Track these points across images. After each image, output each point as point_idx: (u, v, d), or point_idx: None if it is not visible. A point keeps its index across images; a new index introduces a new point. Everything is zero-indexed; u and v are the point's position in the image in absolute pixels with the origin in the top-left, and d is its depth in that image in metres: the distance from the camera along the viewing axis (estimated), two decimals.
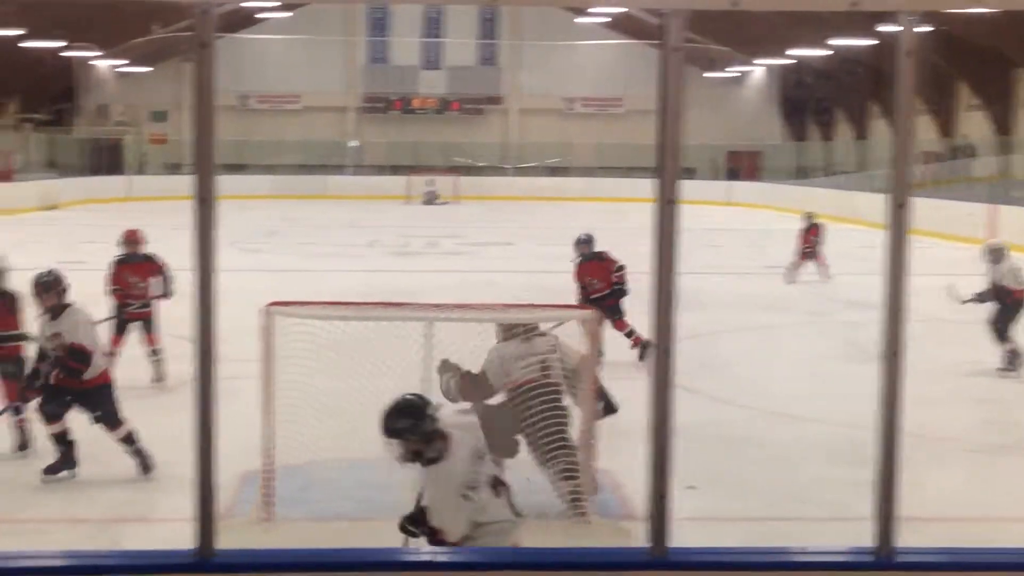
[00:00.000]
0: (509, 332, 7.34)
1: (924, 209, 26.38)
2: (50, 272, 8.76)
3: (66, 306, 8.40)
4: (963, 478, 8.68)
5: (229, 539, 3.07)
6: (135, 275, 11.54)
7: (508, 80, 52.58)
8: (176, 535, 3.15)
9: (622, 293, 12.52)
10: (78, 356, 8.05)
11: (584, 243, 13.05)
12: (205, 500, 3.19)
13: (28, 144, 46.50)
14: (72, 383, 8.09)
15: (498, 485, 5.33)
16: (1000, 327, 12.25)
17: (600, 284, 12.65)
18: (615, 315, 12.26)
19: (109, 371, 8.63)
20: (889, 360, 3.22)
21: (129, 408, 8.79)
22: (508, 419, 7.22)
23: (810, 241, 20.51)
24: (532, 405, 7.14)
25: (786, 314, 16.28)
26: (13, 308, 9.15)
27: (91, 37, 37.99)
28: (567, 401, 7.36)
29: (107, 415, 8.28)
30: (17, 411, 8.77)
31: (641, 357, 11.71)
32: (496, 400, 7.42)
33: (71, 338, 8.06)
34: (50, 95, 48.17)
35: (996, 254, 12.69)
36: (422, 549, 4.91)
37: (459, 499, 5.13)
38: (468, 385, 7.29)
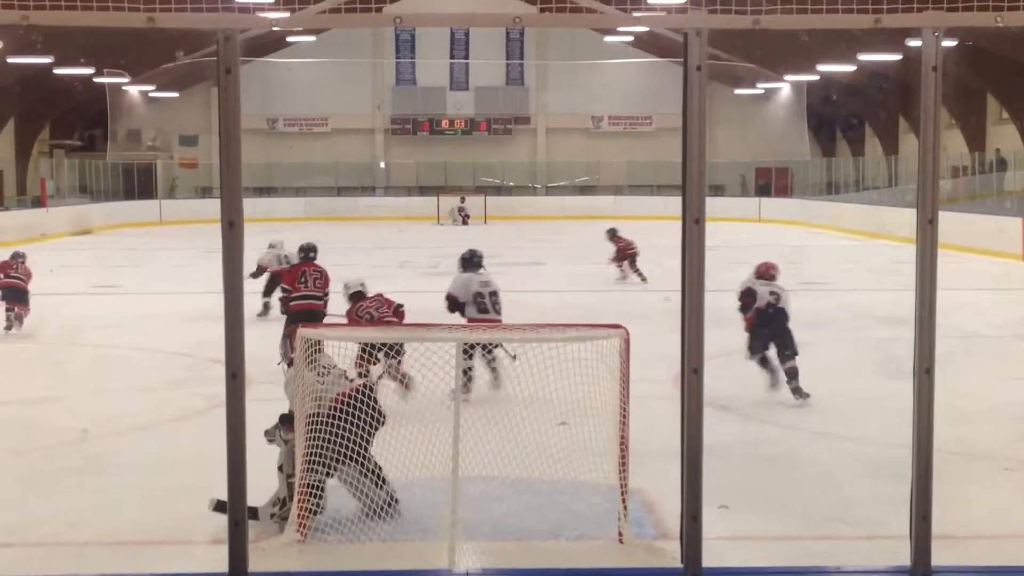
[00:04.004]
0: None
1: (956, 224, 26.26)
2: None
3: None
4: (1002, 496, 8.58)
5: (262, 562, 3.07)
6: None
7: (535, 100, 52.70)
8: (214, 557, 3.16)
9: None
10: None
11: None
12: (237, 523, 3.20)
13: (61, 170, 46.91)
14: None
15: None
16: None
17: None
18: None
19: None
20: (921, 377, 3.20)
21: (175, 430, 8.84)
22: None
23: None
24: (343, 415, 7.11)
25: (820, 331, 16.17)
26: None
27: (119, 64, 38.35)
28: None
29: None
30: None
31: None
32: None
33: None
34: (81, 121, 48.63)
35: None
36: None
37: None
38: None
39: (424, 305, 13.46)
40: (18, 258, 16.63)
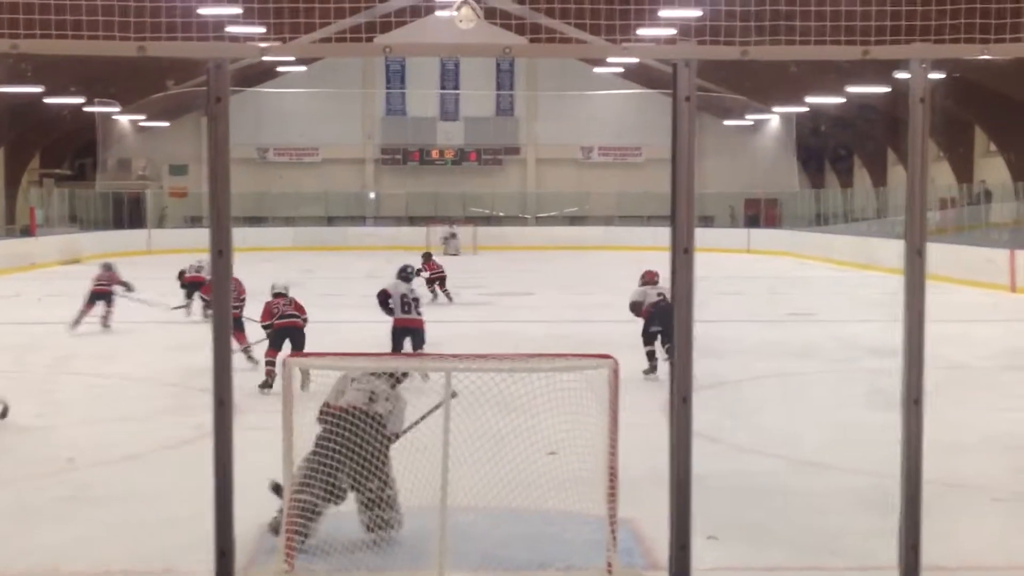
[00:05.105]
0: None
1: (944, 255, 26.33)
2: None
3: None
4: (991, 527, 8.58)
5: None
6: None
7: (525, 130, 52.85)
8: None
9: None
10: None
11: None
12: (223, 553, 3.18)
13: (50, 199, 46.85)
14: None
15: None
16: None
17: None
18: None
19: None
20: (910, 408, 3.20)
21: (163, 459, 8.77)
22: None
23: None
24: (350, 430, 7.18)
25: (809, 361, 16.20)
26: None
27: (110, 93, 38.37)
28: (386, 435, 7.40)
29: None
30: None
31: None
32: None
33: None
34: (71, 150, 48.60)
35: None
36: None
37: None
38: None
39: None
40: (105, 268, 20.46)
